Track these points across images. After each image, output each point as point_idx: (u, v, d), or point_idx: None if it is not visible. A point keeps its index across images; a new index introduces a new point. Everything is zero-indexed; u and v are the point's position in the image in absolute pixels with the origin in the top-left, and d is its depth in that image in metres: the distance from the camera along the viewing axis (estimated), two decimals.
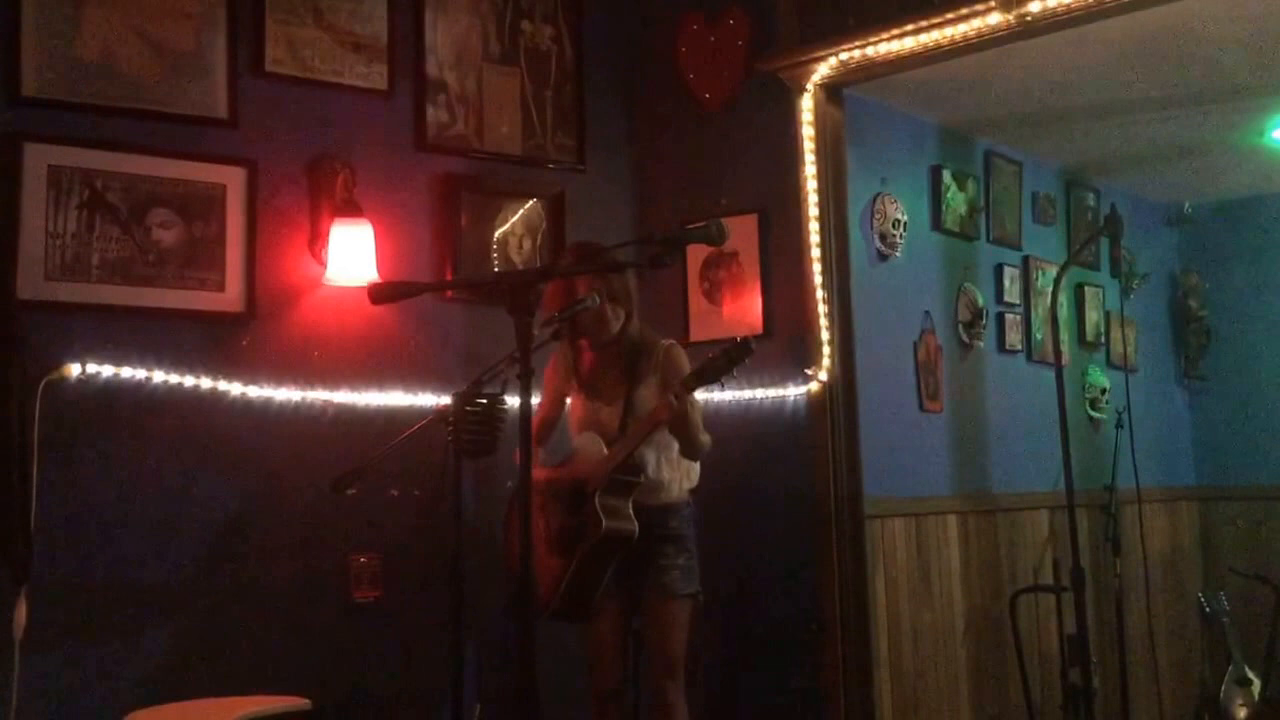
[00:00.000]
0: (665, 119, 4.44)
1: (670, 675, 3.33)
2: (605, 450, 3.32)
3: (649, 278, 3.95)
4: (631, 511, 3.29)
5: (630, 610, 3.43)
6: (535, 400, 3.53)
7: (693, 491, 3.51)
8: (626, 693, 3.46)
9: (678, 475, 3.44)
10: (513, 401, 3.31)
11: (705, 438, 3.37)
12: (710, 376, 3.16)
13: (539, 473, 3.43)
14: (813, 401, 3.93)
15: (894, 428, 4.24)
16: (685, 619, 3.37)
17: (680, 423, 3.23)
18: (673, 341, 3.51)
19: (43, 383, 3.16)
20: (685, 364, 3.43)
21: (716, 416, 3.94)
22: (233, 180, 3.56)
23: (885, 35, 3.75)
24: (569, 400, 3.57)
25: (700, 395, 4.03)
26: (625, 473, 3.28)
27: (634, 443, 3.28)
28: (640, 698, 3.50)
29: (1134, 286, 5.64)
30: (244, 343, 3.55)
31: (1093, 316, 5.45)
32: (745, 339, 3.17)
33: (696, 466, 3.50)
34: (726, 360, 3.14)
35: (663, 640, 3.34)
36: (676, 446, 3.37)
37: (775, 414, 3.99)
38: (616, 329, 3.43)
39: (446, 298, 3.96)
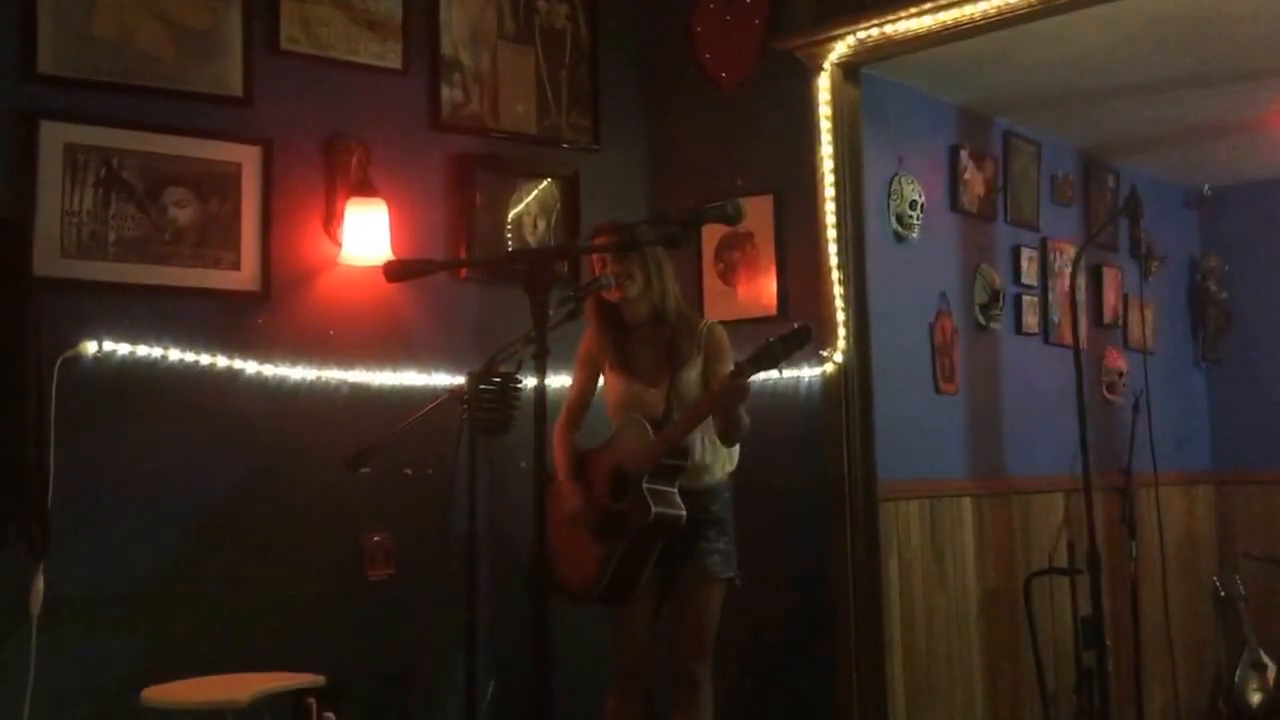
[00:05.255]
0: (681, 99, 4.41)
1: (701, 658, 3.33)
2: (651, 434, 3.23)
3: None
4: (679, 497, 3.22)
5: (664, 593, 3.39)
6: (555, 381, 3.54)
7: (731, 475, 3.45)
8: (651, 673, 3.43)
9: (720, 458, 3.38)
10: (528, 381, 3.34)
11: (747, 421, 3.28)
12: (768, 363, 3.05)
13: (565, 459, 3.42)
14: (828, 383, 3.92)
15: (909, 410, 4.23)
16: (720, 602, 3.35)
17: (733, 406, 3.15)
18: (713, 321, 3.44)
19: (59, 360, 3.17)
20: (727, 342, 3.37)
21: None
22: (248, 159, 3.56)
23: (903, 13, 3.72)
24: (603, 380, 3.50)
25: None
26: (672, 456, 3.22)
27: (687, 428, 3.21)
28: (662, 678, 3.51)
29: (1153, 269, 5.60)
30: (259, 321, 3.55)
31: (1110, 298, 5.42)
32: (805, 325, 3.06)
33: (736, 449, 3.43)
34: (784, 347, 3.02)
35: (698, 622, 3.32)
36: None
37: (790, 395, 3.97)
38: (644, 309, 3.37)
39: (461, 277, 3.95)
